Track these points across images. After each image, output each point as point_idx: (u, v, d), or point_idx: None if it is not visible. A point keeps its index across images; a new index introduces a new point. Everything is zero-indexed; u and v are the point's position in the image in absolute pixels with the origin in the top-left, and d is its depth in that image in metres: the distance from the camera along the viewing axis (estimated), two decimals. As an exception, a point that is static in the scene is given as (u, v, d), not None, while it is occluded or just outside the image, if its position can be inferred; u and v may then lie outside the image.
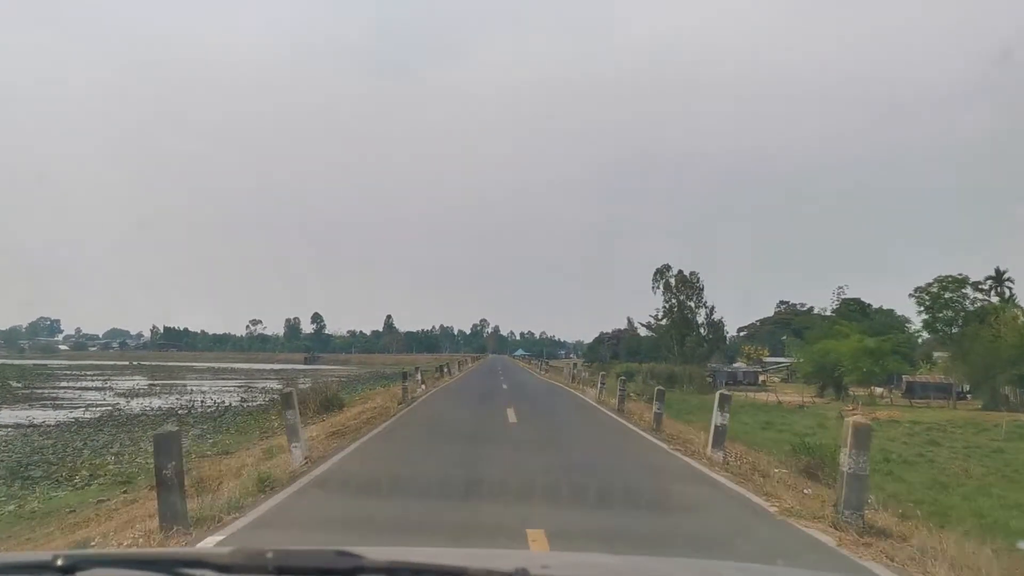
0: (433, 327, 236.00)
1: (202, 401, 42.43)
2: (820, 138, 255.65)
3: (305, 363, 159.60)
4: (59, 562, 1.47)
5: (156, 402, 42.44)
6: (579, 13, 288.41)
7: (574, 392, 31.38)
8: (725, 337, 73.59)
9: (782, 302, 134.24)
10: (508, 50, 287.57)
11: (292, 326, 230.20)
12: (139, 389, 54.34)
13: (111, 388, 55.22)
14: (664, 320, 69.88)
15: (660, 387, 17.62)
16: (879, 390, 46.49)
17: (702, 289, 69.22)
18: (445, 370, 40.85)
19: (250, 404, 40.25)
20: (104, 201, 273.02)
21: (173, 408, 37.76)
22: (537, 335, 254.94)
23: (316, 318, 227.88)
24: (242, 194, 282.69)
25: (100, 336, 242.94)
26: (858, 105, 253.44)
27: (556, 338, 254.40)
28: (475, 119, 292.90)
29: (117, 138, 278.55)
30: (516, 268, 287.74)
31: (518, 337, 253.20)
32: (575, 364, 53.08)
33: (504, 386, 35.21)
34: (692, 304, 67.09)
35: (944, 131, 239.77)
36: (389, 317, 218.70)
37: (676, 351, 64.18)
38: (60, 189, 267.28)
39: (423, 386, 29.84)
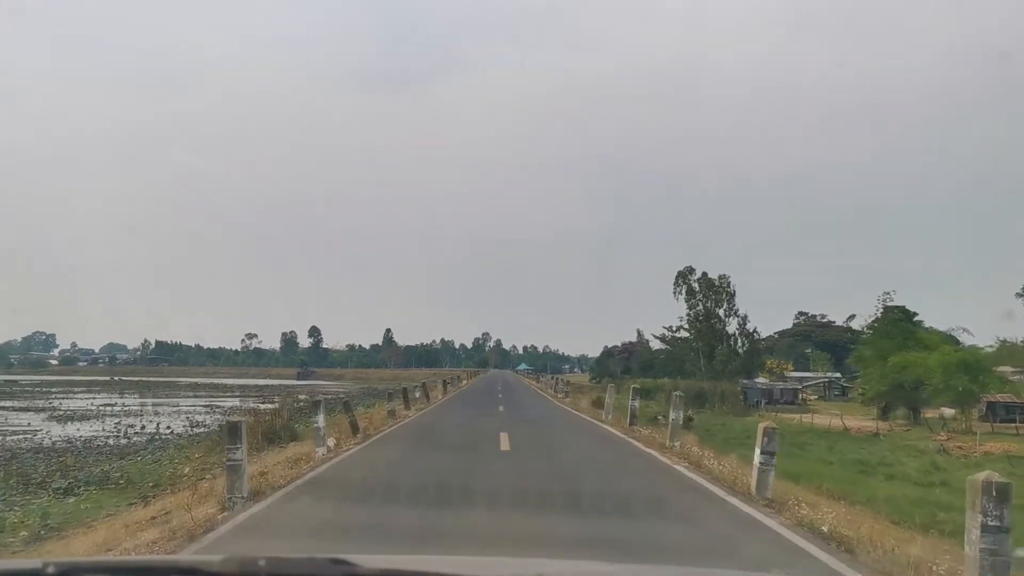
0: (433, 341, 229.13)
1: (143, 427, 35.32)
2: (828, 147, 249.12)
3: (298, 378, 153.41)
4: (50, 569, 1.47)
5: (88, 428, 35.39)
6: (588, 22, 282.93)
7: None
8: (760, 350, 65.89)
9: (800, 313, 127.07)
10: (506, 62, 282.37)
11: (289, 340, 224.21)
12: (87, 411, 47.25)
13: (55, 408, 48.18)
14: (683, 330, 62.21)
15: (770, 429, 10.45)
16: (948, 411, 39.24)
17: (733, 294, 61.40)
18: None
19: (199, 430, 33.11)
20: (99, 214, 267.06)
21: (97, 436, 30.77)
22: (540, 349, 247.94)
23: (313, 332, 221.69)
24: (240, 206, 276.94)
25: (96, 351, 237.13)
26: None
27: (560, 352, 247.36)
28: (476, 130, 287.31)
29: (117, 149, 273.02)
30: (518, 281, 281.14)
31: (521, 351, 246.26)
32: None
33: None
34: (721, 312, 59.63)
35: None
36: (389, 331, 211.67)
37: (703, 365, 56.81)
38: (54, 201, 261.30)
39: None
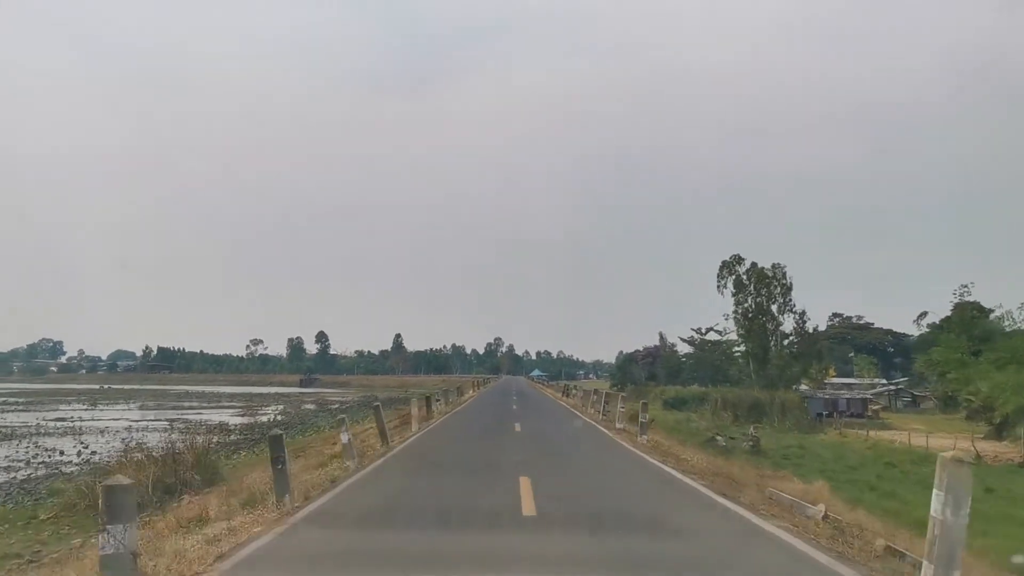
0: (444, 346, 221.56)
1: (53, 455, 27.99)
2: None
3: (301, 385, 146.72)
4: None
5: (14, 451, 28.43)
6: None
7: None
8: (820, 353, 57.02)
9: (835, 315, 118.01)
10: (520, 67, 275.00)
11: (295, 346, 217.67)
12: (22, 427, 40.08)
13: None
14: (726, 330, 53.10)
15: None
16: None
17: (789, 288, 51.30)
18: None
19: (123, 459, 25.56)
20: (106, 219, 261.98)
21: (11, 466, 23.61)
22: (554, 354, 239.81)
23: (320, 337, 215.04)
24: (248, 211, 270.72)
25: (103, 358, 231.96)
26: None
27: (575, 357, 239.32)
28: (488, 135, 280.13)
29: (127, 155, 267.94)
30: (532, 286, 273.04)
31: (534, 356, 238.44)
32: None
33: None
34: (775, 308, 50.88)
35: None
36: (398, 336, 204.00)
37: (753, 370, 48.39)
38: (61, 208, 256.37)
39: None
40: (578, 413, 28.41)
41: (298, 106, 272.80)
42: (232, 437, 34.28)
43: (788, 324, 49.36)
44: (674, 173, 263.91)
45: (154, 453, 16.30)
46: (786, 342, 48.76)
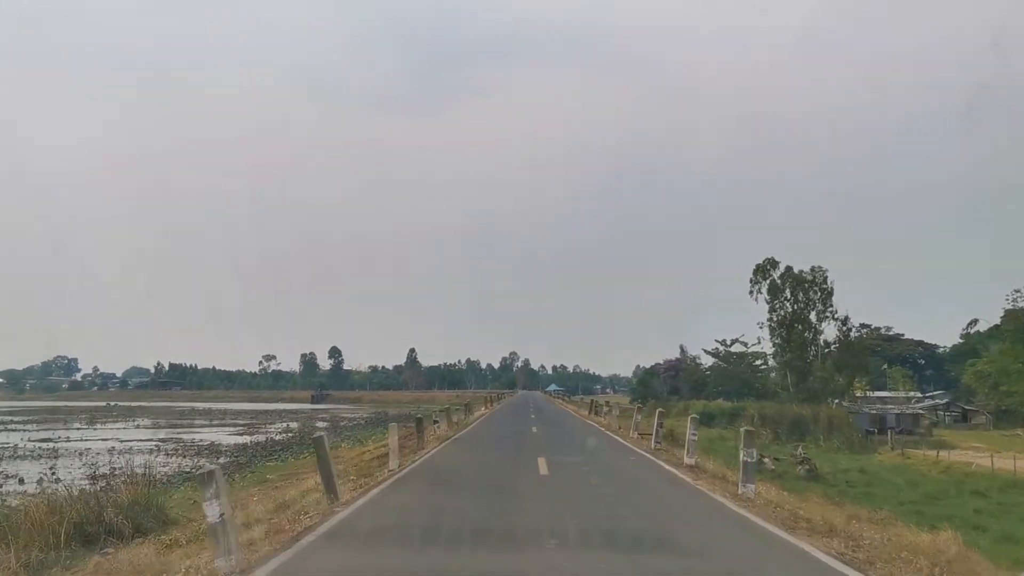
0: (458, 361, 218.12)
1: (40, 479, 25.07)
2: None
3: (312, 401, 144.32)
4: None
5: None
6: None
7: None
8: (868, 364, 52.52)
9: (863, 325, 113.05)
10: (531, 83, 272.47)
11: (308, 361, 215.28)
12: (20, 449, 37.33)
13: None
14: (759, 338, 48.43)
15: None
16: None
17: (830, 293, 46.79)
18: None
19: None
20: (121, 237, 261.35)
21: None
22: (570, 369, 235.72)
23: (334, 352, 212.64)
24: (264, 227, 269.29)
25: (118, 375, 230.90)
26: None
27: (591, 372, 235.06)
28: (503, 149, 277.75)
29: (139, 172, 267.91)
30: (547, 299, 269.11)
31: (550, 371, 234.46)
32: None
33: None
34: (814, 316, 47.07)
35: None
36: (413, 351, 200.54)
37: (791, 383, 44.20)
38: (77, 225, 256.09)
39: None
40: (621, 440, 23.02)
41: (313, 124, 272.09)
42: (221, 460, 31.01)
43: (829, 332, 45.47)
44: (689, 188, 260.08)
45: (76, 491, 12.89)
46: (826, 351, 44.67)
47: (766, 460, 26.36)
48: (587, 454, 19.20)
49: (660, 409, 21.27)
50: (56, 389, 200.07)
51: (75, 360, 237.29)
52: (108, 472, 26.93)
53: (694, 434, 15.18)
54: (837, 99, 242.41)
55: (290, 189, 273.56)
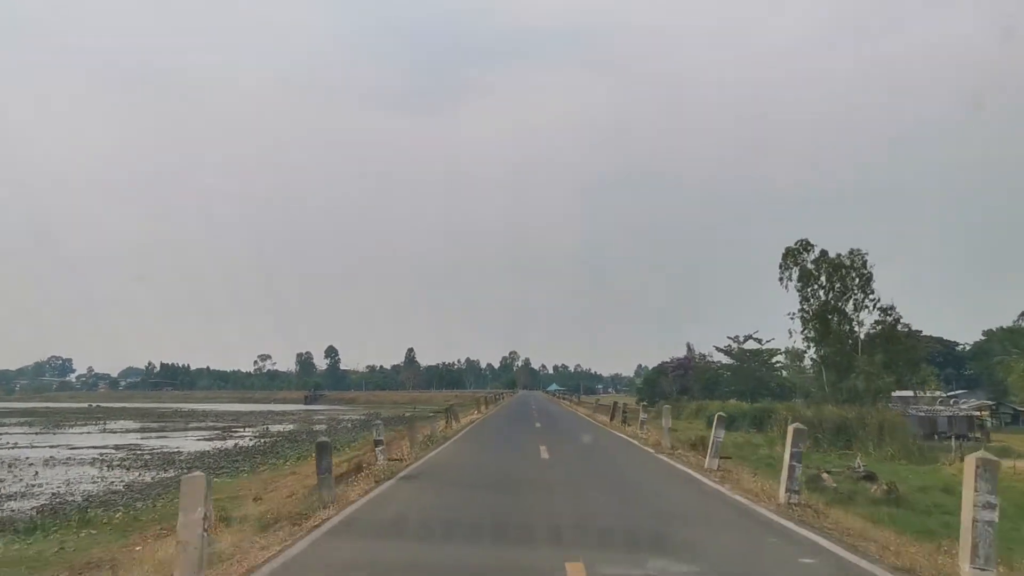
0: (458, 361, 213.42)
1: None
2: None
3: (306, 402, 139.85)
4: None
5: None
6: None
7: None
8: (917, 361, 47.08)
9: (877, 323, 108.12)
10: (531, 83, 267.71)
11: (304, 361, 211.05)
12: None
13: None
14: (792, 331, 42.65)
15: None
16: None
17: (870, 278, 41.56)
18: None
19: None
20: (116, 236, 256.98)
21: None
22: (572, 368, 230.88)
23: (330, 352, 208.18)
24: (259, 226, 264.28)
25: (114, 375, 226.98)
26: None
27: (592, 371, 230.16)
28: (503, 148, 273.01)
29: (137, 169, 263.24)
30: (547, 298, 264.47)
31: (551, 371, 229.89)
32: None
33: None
34: (850, 306, 41.30)
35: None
36: (411, 350, 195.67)
37: (827, 382, 39.12)
38: (72, 225, 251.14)
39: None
40: (654, 451, 18.20)
41: (310, 122, 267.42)
42: (170, 473, 26.23)
43: (868, 322, 40.35)
44: (691, 186, 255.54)
45: None
46: (873, 344, 39.50)
47: (825, 475, 21.32)
48: (609, 473, 13.91)
49: (720, 414, 16.16)
50: (47, 390, 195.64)
51: (69, 360, 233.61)
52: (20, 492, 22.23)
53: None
54: (838, 99, 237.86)
55: (289, 189, 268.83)
